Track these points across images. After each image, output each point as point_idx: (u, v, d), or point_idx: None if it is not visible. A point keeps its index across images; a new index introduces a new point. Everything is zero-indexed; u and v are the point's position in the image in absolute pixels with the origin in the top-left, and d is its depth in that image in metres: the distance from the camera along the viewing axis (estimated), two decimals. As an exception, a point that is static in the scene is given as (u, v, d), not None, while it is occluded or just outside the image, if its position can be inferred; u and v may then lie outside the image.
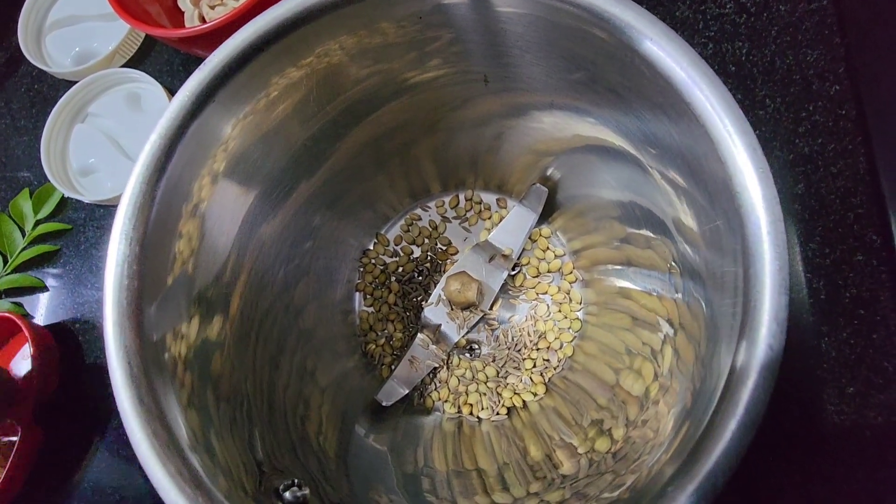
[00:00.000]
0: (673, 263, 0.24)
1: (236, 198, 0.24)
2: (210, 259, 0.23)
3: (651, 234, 0.26)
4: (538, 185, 0.32)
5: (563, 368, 0.32)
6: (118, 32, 0.44)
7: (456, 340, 0.32)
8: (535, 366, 0.32)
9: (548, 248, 0.34)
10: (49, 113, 0.42)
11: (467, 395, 0.32)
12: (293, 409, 0.27)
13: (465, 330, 0.32)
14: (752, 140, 0.15)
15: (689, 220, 0.21)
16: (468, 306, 0.32)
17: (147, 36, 0.45)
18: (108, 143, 0.42)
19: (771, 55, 0.36)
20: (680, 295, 0.24)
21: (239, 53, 0.19)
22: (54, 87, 0.47)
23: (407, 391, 0.31)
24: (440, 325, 0.32)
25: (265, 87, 0.22)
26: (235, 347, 0.24)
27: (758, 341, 0.14)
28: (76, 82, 0.43)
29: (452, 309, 0.32)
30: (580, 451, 0.27)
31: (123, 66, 0.45)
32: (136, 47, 0.46)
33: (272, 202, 0.27)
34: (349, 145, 0.29)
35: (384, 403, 0.31)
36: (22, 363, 0.38)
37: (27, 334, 0.35)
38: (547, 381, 0.32)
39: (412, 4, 0.20)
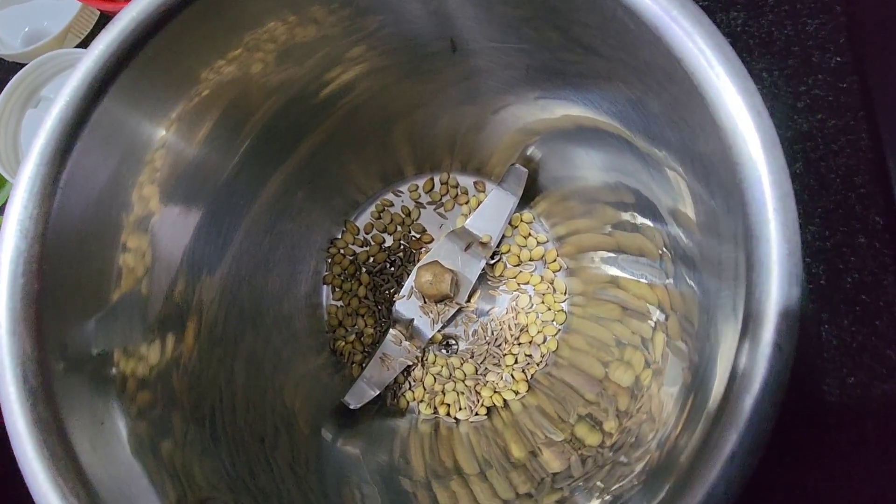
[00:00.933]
0: (664, 249, 0.23)
1: (187, 209, 0.23)
2: (163, 277, 0.22)
3: (640, 218, 0.24)
4: (518, 165, 0.30)
5: (546, 364, 0.31)
6: (70, 10, 0.41)
7: (430, 336, 0.30)
8: (516, 362, 0.30)
9: (529, 234, 0.32)
10: (-1, 97, 0.40)
11: (444, 394, 0.30)
12: (261, 419, 0.25)
13: (440, 324, 0.30)
14: (757, 101, 0.13)
15: (681, 201, 0.20)
16: (442, 299, 0.29)
17: (102, 13, 0.42)
18: (62, 128, 0.40)
19: (768, 25, 0.34)
20: (671, 280, 0.22)
21: (154, 10, 0.16)
22: (5, 70, 0.44)
23: (378, 392, 0.29)
24: (413, 319, 0.30)
25: (195, 83, 0.20)
26: (199, 363, 0.23)
27: (763, 342, 0.12)
28: (27, 64, 0.40)
29: (426, 302, 0.30)
30: (569, 448, 0.25)
31: (78, 45, 0.42)
32: (91, 25, 0.43)
33: (232, 206, 0.25)
34: (314, 138, 0.28)
35: (352, 406, 0.29)
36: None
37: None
38: (529, 377, 0.30)
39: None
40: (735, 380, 0.12)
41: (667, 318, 0.22)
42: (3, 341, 0.15)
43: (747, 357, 0.12)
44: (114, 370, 0.19)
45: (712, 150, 0.15)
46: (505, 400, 0.30)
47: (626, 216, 0.26)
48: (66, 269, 0.18)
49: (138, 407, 0.19)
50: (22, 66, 0.41)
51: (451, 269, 0.29)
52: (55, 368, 0.16)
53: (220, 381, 0.24)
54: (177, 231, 0.23)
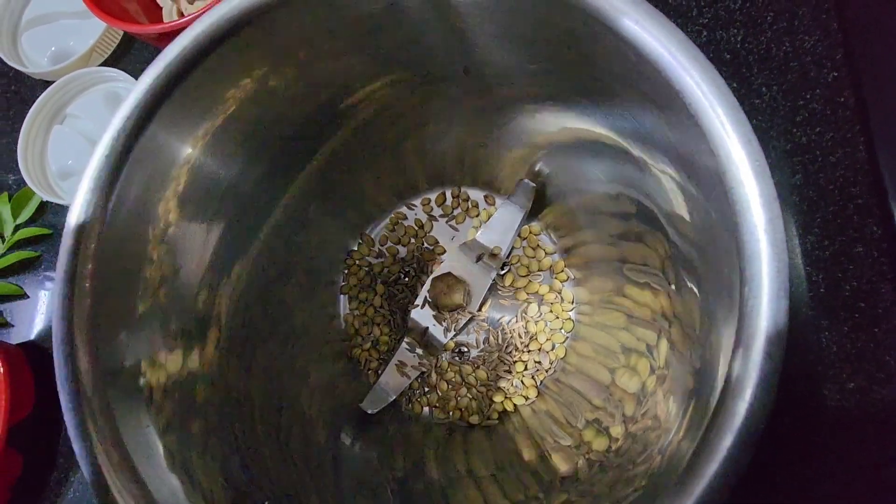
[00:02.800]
0: (666, 257, 0.23)
1: (208, 222, 0.24)
2: (185, 288, 0.22)
3: (643, 228, 0.25)
4: (526, 180, 0.31)
5: (555, 370, 0.31)
6: (95, 30, 0.43)
7: (444, 344, 0.31)
8: (526, 368, 0.31)
9: (538, 245, 0.33)
10: (27, 114, 0.41)
11: (457, 399, 0.31)
12: (281, 425, 0.26)
13: (453, 333, 0.31)
14: (748, 130, 0.14)
15: (681, 212, 0.21)
16: (455, 308, 0.31)
17: (126, 32, 0.44)
18: (88, 144, 0.41)
19: (767, 42, 0.35)
20: (674, 287, 0.23)
21: (197, 46, 0.17)
22: (32, 88, 0.46)
23: (394, 397, 0.30)
24: (427, 328, 0.31)
25: (222, 102, 0.21)
26: (219, 372, 0.24)
27: (754, 350, 0.13)
28: (54, 82, 0.42)
29: (439, 311, 0.31)
30: (577, 452, 0.26)
31: (102, 64, 0.44)
32: (115, 45, 0.44)
33: (250, 219, 0.26)
34: (328, 152, 0.29)
35: (369, 411, 0.30)
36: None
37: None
38: (539, 383, 0.31)
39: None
40: (729, 385, 0.13)
41: (670, 325, 0.23)
42: (60, 353, 0.16)
43: (740, 364, 0.13)
44: (142, 381, 0.19)
45: (708, 169, 0.16)
46: (515, 405, 0.31)
47: (629, 226, 0.26)
48: (106, 284, 0.19)
49: (166, 419, 0.20)
50: (48, 83, 0.43)
51: (463, 280, 0.30)
52: (103, 380, 0.17)
53: (239, 389, 0.25)
54: (198, 243, 0.24)
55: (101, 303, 0.18)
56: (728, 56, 0.35)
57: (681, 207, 0.20)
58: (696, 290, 0.20)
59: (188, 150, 0.22)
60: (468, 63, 0.23)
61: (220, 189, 0.24)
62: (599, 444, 0.25)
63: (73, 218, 0.17)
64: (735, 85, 0.35)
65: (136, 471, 0.16)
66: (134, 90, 0.18)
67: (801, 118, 0.33)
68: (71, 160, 0.41)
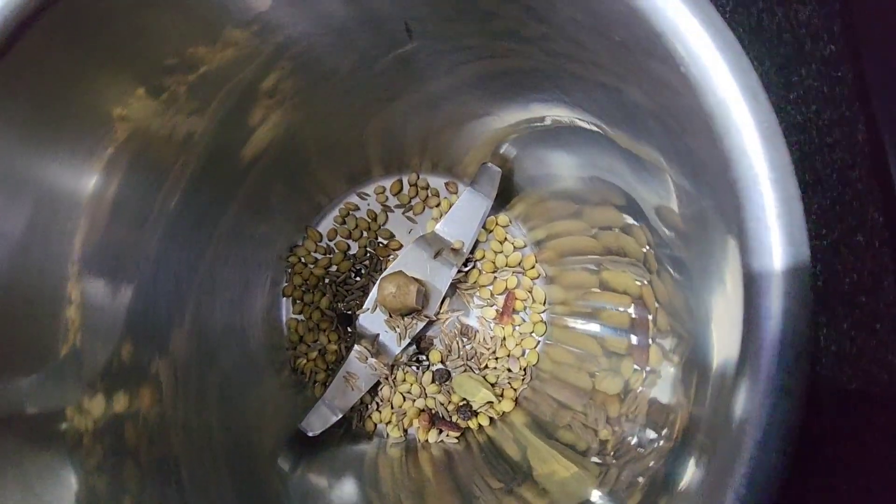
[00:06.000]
0: (648, 248, 0.21)
1: (127, 246, 0.21)
2: (101, 328, 0.20)
3: (624, 217, 0.23)
4: (490, 164, 0.28)
5: (529, 378, 0.29)
6: None
7: (397, 352, 0.28)
8: (498, 379, 0.28)
9: (506, 239, 0.30)
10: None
11: (413, 415, 0.28)
12: (225, 459, 0.24)
13: (408, 340, 0.28)
14: (753, 81, 0.10)
15: (668, 202, 0.18)
16: (410, 312, 0.27)
17: None
18: None
19: (758, 13, 0.32)
20: (657, 279, 0.21)
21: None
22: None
23: (339, 416, 0.27)
24: (378, 334, 0.28)
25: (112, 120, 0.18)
26: (153, 410, 0.22)
27: (762, 380, 0.10)
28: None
29: (391, 316, 0.27)
30: (557, 465, 0.24)
31: None
32: None
33: (183, 231, 0.24)
34: (263, 143, 0.25)
35: (310, 433, 0.26)
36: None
37: None
38: (517, 395, 0.28)
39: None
40: (733, 424, 0.10)
41: (655, 321, 0.21)
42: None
43: (746, 402, 0.10)
44: (64, 425, 0.18)
45: (701, 142, 0.13)
46: (480, 424, 0.28)
47: (607, 214, 0.24)
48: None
49: (96, 460, 0.19)
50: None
51: (417, 280, 0.27)
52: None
53: (181, 431, 0.23)
54: (119, 271, 0.21)
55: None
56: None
57: (667, 194, 0.18)
58: (683, 280, 0.18)
59: (85, 178, 0.19)
60: (407, 20, 0.19)
61: (134, 212, 0.21)
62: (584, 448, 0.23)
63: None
64: (723, 59, 0.32)
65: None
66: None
67: (796, 95, 0.31)
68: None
